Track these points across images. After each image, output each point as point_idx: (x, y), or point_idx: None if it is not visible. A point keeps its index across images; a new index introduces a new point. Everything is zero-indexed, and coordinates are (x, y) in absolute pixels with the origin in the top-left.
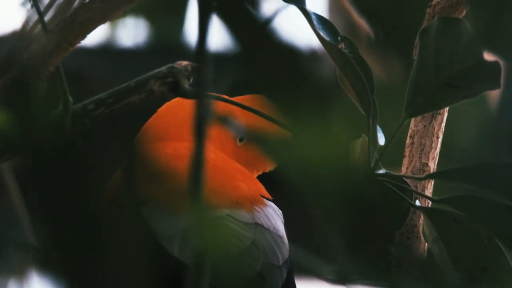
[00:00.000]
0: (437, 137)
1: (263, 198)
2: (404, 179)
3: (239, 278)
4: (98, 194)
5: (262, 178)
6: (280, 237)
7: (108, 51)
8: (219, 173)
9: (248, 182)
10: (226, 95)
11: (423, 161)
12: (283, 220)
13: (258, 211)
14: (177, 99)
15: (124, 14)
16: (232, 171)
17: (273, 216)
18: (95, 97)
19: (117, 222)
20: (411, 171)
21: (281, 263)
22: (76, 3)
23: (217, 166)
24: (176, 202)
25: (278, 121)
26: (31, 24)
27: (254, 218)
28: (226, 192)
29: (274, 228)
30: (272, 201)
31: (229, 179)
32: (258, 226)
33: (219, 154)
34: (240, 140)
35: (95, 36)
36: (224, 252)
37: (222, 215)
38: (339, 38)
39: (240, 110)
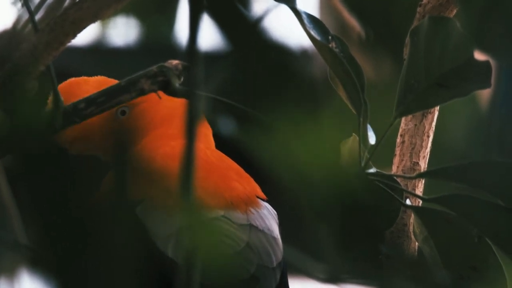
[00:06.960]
0: (428, 136)
1: (258, 199)
2: (395, 178)
3: (233, 280)
4: (90, 194)
5: (256, 177)
6: (275, 238)
7: (99, 50)
8: (214, 172)
9: (243, 182)
10: (217, 94)
11: (414, 160)
12: (277, 221)
13: (253, 213)
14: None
15: (114, 13)
16: (227, 170)
17: (268, 217)
18: (86, 96)
19: (110, 221)
20: (402, 170)
21: (275, 265)
22: (66, 2)
23: (212, 164)
24: (171, 202)
25: (262, 116)
26: (21, 23)
27: (248, 220)
28: (221, 193)
29: (269, 229)
30: (267, 201)
31: (224, 178)
32: (252, 228)
33: (215, 152)
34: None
35: (86, 35)
36: (219, 254)
37: (217, 216)
38: (330, 37)
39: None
